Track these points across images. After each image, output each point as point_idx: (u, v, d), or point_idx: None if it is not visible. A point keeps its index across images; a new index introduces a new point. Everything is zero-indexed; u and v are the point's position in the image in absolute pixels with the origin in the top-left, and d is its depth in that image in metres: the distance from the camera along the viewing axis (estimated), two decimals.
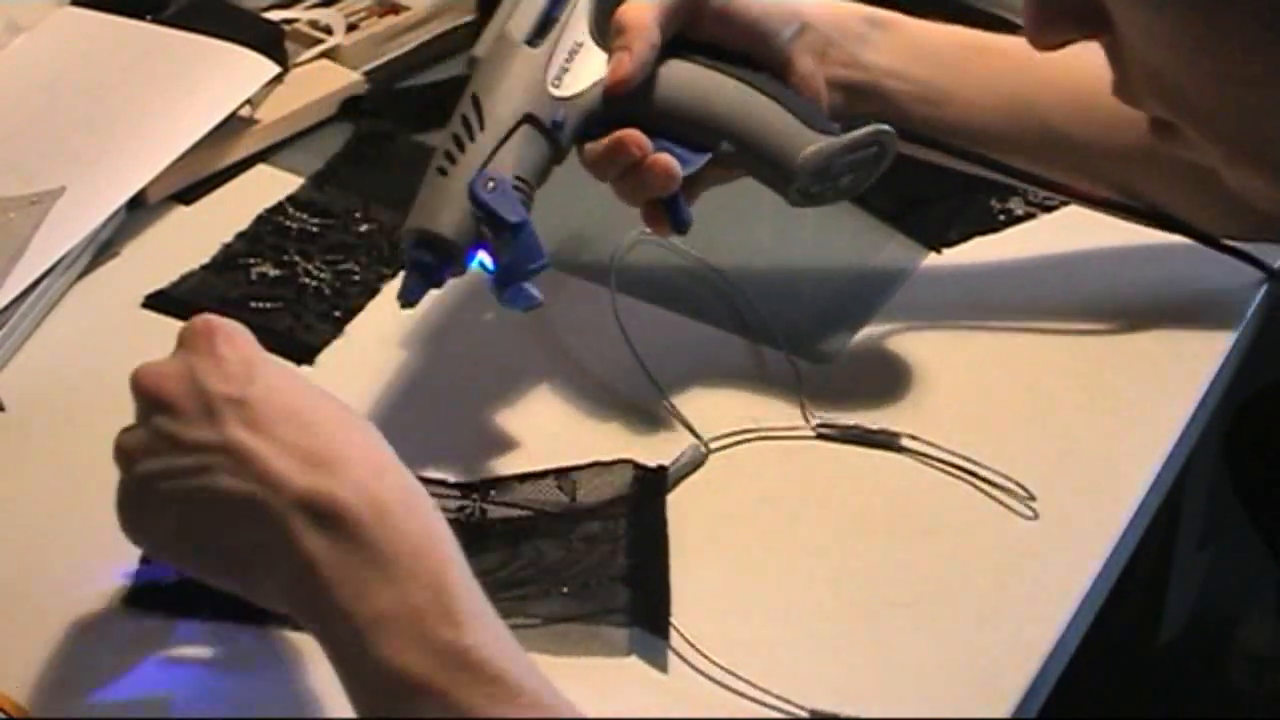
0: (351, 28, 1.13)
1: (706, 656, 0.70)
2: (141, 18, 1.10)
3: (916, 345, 0.88)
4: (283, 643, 0.70)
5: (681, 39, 0.81)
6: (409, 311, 0.78)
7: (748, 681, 0.69)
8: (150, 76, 1.04)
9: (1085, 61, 0.85)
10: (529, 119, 0.78)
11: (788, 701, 0.68)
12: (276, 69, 1.05)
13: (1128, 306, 0.89)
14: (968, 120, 0.85)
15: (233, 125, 1.02)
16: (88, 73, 1.05)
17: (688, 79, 0.81)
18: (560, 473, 0.78)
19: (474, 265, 0.77)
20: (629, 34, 0.79)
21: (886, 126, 0.80)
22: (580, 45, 0.80)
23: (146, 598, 0.72)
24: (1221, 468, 1.19)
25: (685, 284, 0.91)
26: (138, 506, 0.65)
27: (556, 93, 0.78)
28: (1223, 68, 0.56)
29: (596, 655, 0.69)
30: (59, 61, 1.07)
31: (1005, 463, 0.79)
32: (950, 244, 0.96)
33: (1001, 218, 0.97)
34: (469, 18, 1.15)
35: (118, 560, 0.74)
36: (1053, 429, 0.83)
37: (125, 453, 0.66)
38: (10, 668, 0.69)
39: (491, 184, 0.76)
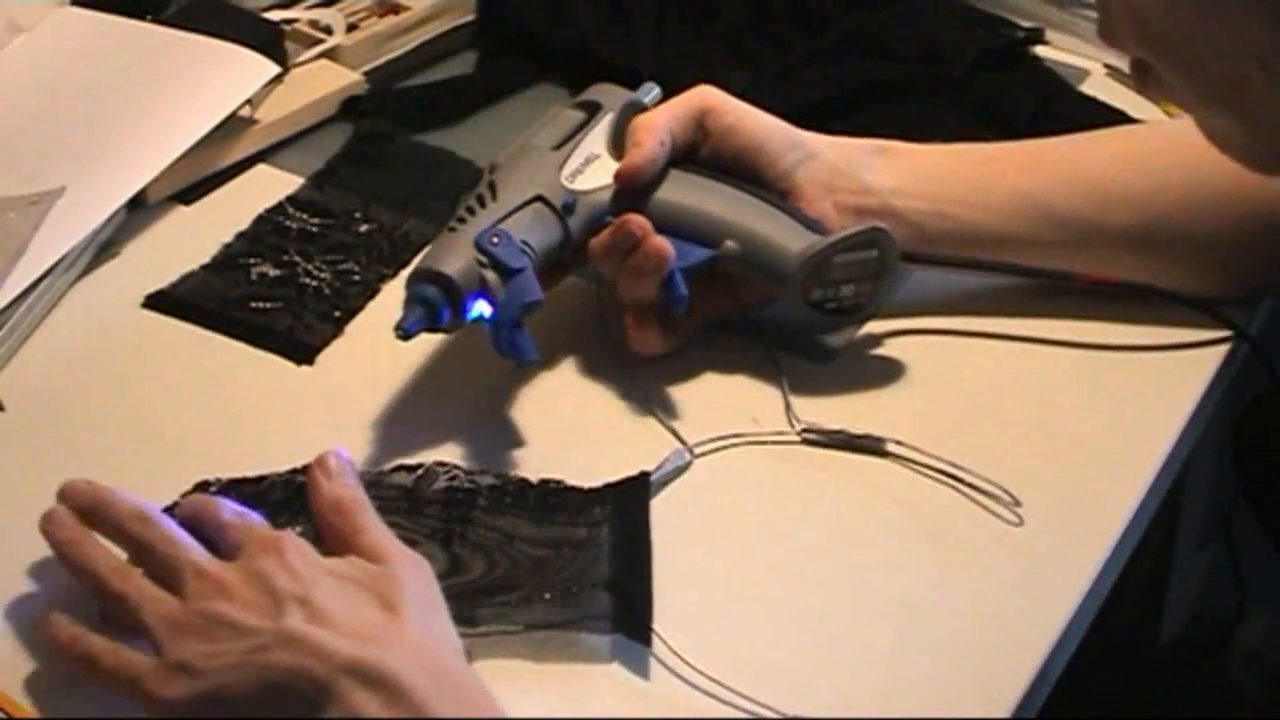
0: (351, 28, 1.13)
1: (689, 663, 0.70)
2: (141, 18, 1.10)
3: (908, 347, 0.88)
4: None
5: (691, 156, 0.86)
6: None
7: (730, 689, 0.68)
8: (150, 76, 1.04)
9: (1090, 151, 0.87)
10: (539, 199, 0.82)
11: (771, 709, 0.68)
12: (276, 69, 1.05)
13: (1127, 307, 0.89)
14: (982, 226, 0.86)
15: (233, 125, 1.01)
16: (88, 73, 1.05)
17: (692, 183, 0.85)
18: (542, 490, 0.78)
19: (472, 316, 0.79)
20: (641, 133, 0.84)
21: (883, 225, 0.82)
22: (597, 156, 0.85)
23: None
24: (1222, 468, 1.19)
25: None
26: (189, 671, 0.64)
27: (569, 184, 0.83)
28: (1200, 10, 0.58)
29: (578, 662, 0.69)
30: (59, 61, 1.07)
31: (995, 467, 0.79)
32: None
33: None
34: (469, 18, 1.15)
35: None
36: (1048, 432, 0.83)
37: (168, 626, 0.66)
38: (10, 668, 0.69)
39: (497, 239, 0.79)
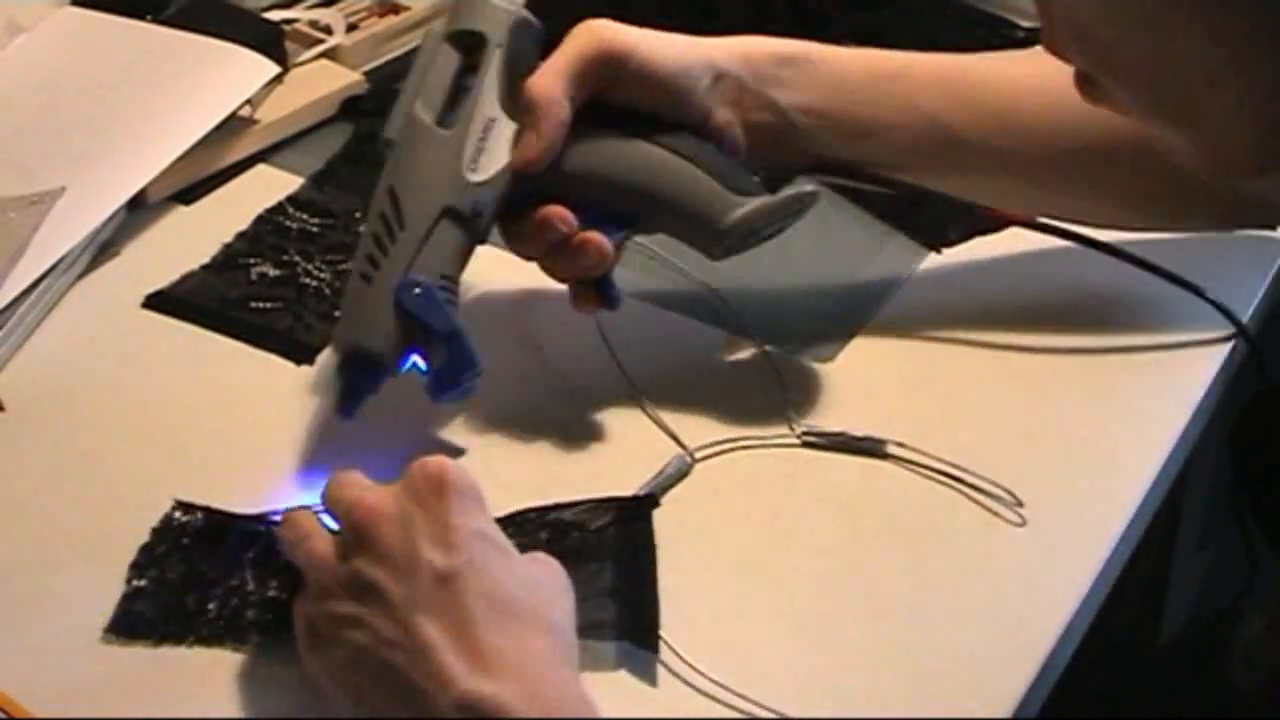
0: (351, 28, 1.13)
1: (696, 669, 0.69)
2: (141, 18, 1.10)
3: (909, 348, 0.88)
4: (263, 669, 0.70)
5: (596, 102, 0.79)
6: None
7: (738, 694, 0.68)
8: (150, 76, 1.04)
9: (1003, 76, 0.85)
10: (448, 212, 0.77)
11: (773, 710, 0.68)
12: (276, 69, 1.05)
13: (1128, 307, 0.89)
14: (886, 149, 0.84)
15: (233, 125, 1.02)
16: (88, 73, 1.05)
17: (605, 149, 0.79)
18: (544, 511, 0.77)
19: (407, 368, 0.77)
20: (537, 112, 0.77)
21: (810, 188, 0.80)
22: (494, 121, 0.78)
23: (129, 627, 0.71)
24: (1223, 467, 1.19)
25: (671, 290, 0.91)
26: (318, 635, 0.66)
27: (473, 178, 0.77)
28: (1141, 24, 0.57)
29: (585, 670, 0.69)
30: (59, 61, 1.07)
31: (997, 468, 0.79)
32: (950, 244, 0.96)
33: (997, 219, 0.97)
34: None
35: (116, 559, 0.74)
36: (1048, 433, 0.83)
37: (319, 579, 0.66)
38: (10, 668, 0.69)
39: (418, 290, 0.75)
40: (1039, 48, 0.70)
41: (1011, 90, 0.84)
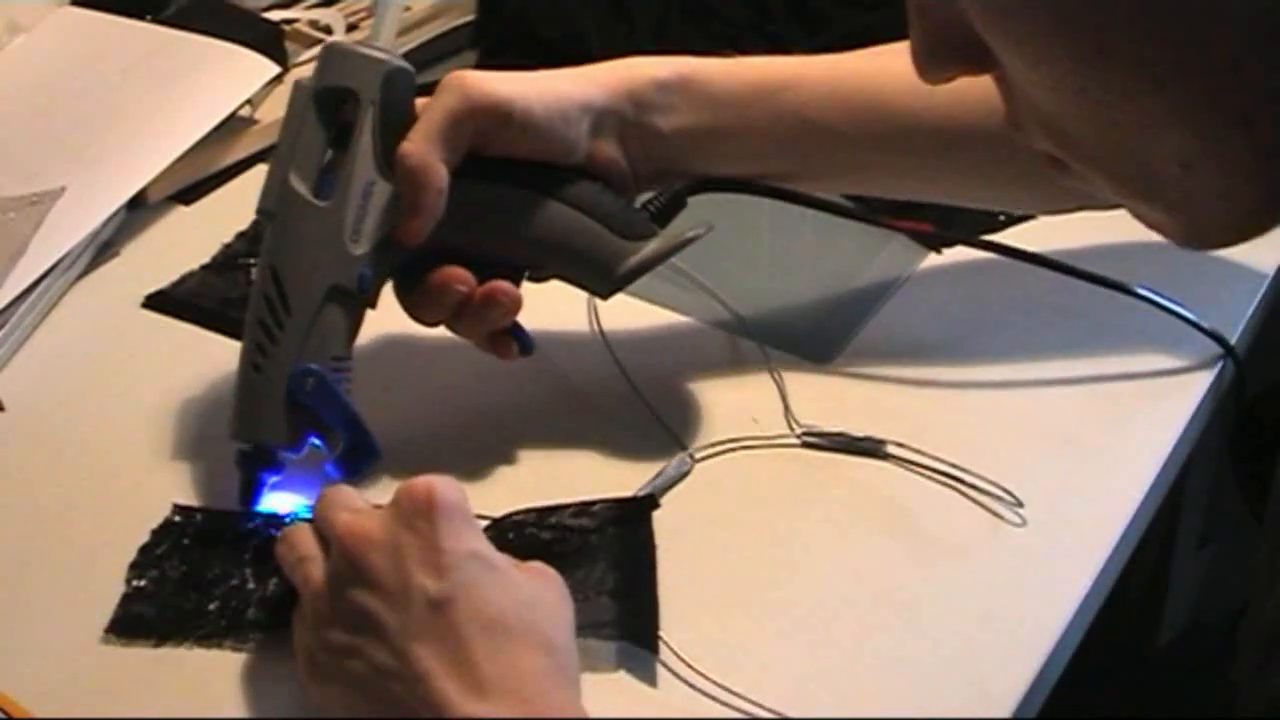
0: (351, 28, 1.13)
1: (696, 670, 0.69)
2: (141, 18, 1.10)
3: (909, 348, 0.88)
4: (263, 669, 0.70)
5: (475, 156, 0.76)
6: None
7: (739, 694, 0.68)
8: (150, 76, 1.04)
9: (885, 72, 0.82)
10: (334, 291, 0.74)
11: (773, 712, 0.68)
12: (276, 69, 1.05)
13: (1128, 307, 0.89)
14: (774, 162, 0.82)
15: (233, 125, 1.02)
16: (88, 73, 1.05)
17: (492, 205, 0.77)
18: (544, 512, 0.77)
19: (305, 452, 0.76)
20: (413, 181, 0.74)
21: (698, 231, 0.79)
22: (371, 184, 0.75)
23: (129, 628, 0.71)
24: (1223, 468, 1.19)
25: (671, 290, 0.91)
26: (317, 664, 0.66)
27: (356, 250, 0.74)
28: (1105, 113, 0.54)
29: (585, 671, 0.69)
30: (59, 61, 1.07)
31: (997, 468, 0.79)
32: (950, 244, 0.96)
33: (1001, 218, 0.97)
34: (469, 18, 1.15)
35: (116, 559, 0.74)
36: (1048, 434, 0.83)
37: (316, 607, 0.66)
38: (10, 668, 0.69)
39: (311, 380, 0.74)
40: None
41: (894, 86, 0.82)
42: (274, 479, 0.76)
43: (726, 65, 0.82)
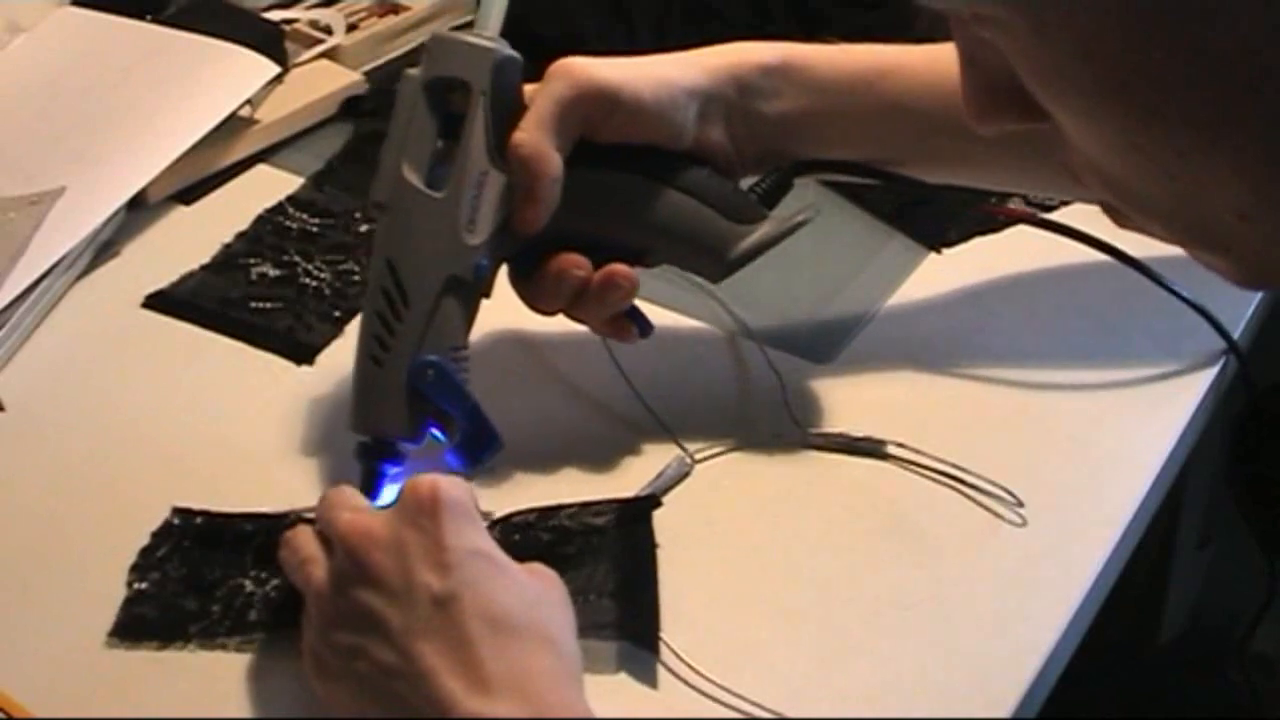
0: (351, 28, 1.13)
1: (697, 670, 0.69)
2: (141, 18, 1.10)
3: (909, 348, 0.88)
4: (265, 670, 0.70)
5: (586, 142, 0.76)
6: None
7: (740, 695, 0.68)
8: (150, 76, 1.04)
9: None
10: (451, 282, 0.74)
11: (774, 712, 0.68)
12: (276, 69, 1.05)
13: (1127, 306, 0.89)
14: (875, 147, 0.83)
15: (233, 125, 1.02)
16: (88, 73, 1.05)
17: (605, 190, 0.77)
18: (545, 512, 0.76)
19: (425, 443, 0.76)
20: (528, 171, 0.74)
21: (809, 214, 0.80)
22: (485, 175, 0.74)
23: (133, 631, 0.71)
24: (1223, 468, 1.19)
25: (671, 290, 0.91)
26: (323, 664, 0.66)
27: (471, 240, 0.74)
28: (1159, 168, 0.54)
29: (586, 672, 0.69)
30: (59, 61, 1.07)
31: (997, 468, 0.79)
32: (950, 244, 0.96)
33: (1001, 217, 0.97)
34: (469, 18, 1.15)
35: (116, 559, 0.74)
36: (1048, 433, 0.83)
37: (320, 608, 0.66)
38: (10, 668, 0.69)
39: (431, 372, 0.74)
40: None
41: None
42: (395, 470, 0.76)
43: (829, 51, 0.83)
